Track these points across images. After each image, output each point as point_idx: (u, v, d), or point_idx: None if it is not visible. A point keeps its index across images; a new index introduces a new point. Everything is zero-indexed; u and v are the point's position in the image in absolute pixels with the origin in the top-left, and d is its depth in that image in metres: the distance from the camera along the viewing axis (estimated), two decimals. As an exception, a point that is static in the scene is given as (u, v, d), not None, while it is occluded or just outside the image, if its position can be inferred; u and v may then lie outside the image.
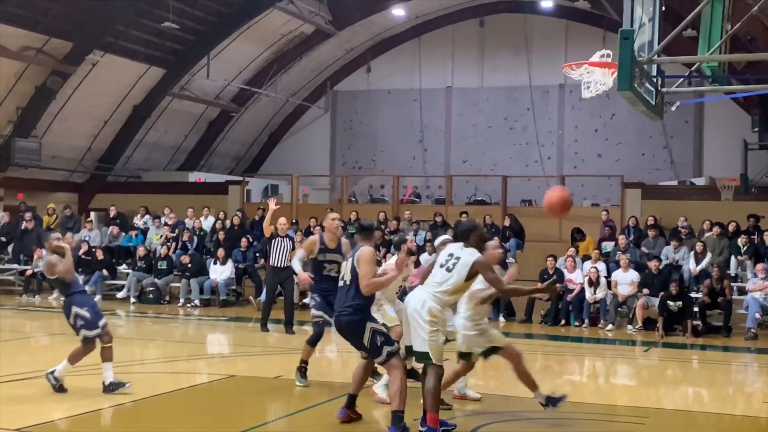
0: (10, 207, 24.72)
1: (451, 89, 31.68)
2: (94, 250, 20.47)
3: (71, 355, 9.20)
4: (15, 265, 21.38)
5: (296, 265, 10.32)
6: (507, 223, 20.68)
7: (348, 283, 7.80)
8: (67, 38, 24.83)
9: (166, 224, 21.67)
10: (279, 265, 14.66)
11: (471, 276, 7.57)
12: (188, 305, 18.88)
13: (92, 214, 25.79)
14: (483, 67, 31.22)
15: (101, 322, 9.25)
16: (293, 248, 14.47)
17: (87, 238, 21.34)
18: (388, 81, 32.30)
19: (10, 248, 21.75)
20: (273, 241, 14.62)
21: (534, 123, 30.26)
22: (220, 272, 19.18)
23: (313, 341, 9.92)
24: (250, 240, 20.39)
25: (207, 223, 22.04)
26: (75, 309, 9.20)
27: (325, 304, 9.68)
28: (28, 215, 22.53)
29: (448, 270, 7.57)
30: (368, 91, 32.86)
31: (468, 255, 7.57)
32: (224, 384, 10.05)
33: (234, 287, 19.79)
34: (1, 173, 26.57)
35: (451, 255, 7.64)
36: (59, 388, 9.01)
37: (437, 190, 28.53)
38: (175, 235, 20.93)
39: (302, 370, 9.88)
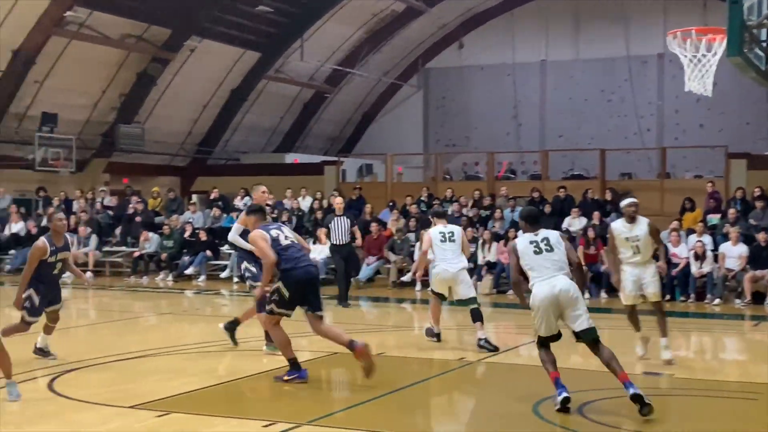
0: (116, 191, 25.53)
1: (545, 62, 31.19)
2: (197, 231, 20.95)
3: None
4: (123, 248, 22.08)
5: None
6: (608, 197, 20.28)
7: None
8: (166, 25, 25.41)
9: (267, 204, 22.02)
10: (339, 242, 15.60)
11: None
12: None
13: (194, 197, 26.40)
14: (578, 39, 30.63)
15: None
16: (352, 226, 15.63)
17: (191, 220, 21.86)
18: (481, 56, 32.00)
19: (117, 231, 22.45)
20: (333, 220, 15.69)
21: (632, 94, 29.54)
22: (319, 251, 19.37)
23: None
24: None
25: (305, 203, 22.31)
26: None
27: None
28: (135, 199, 23.21)
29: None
30: (460, 68, 32.61)
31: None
32: (328, 361, 10.18)
33: (332, 266, 19.97)
34: (107, 158, 27.46)
35: None
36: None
37: (532, 165, 28.18)
38: (275, 215, 21.25)
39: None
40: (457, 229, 11.32)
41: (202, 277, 20.11)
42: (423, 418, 7.95)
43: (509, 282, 17.45)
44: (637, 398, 7.30)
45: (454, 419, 7.91)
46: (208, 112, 29.40)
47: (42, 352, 9.79)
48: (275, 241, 8.65)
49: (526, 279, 7.93)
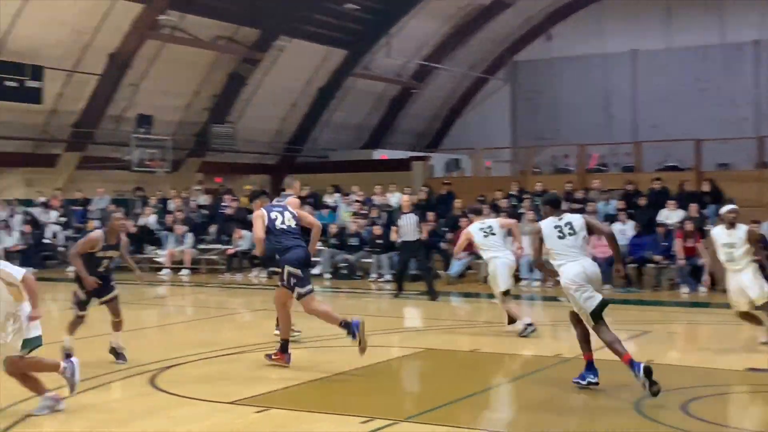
0: (209, 190, 26.05)
1: (636, 52, 30.55)
2: (289, 228, 21.17)
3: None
4: (218, 245, 22.50)
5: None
6: (706, 188, 19.71)
7: None
8: (256, 26, 25.81)
9: (356, 201, 22.20)
10: (408, 239, 16.06)
11: None
12: (379, 280, 19.24)
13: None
14: (670, 27, 29.90)
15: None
16: (420, 221, 16.35)
17: (282, 217, 22.11)
18: (570, 48, 31.54)
19: (212, 229, 22.90)
20: (401, 217, 16.25)
21: (728, 83, 28.68)
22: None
23: None
24: (436, 215, 20.48)
25: (394, 199, 22.36)
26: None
27: None
28: (228, 197, 23.64)
29: None
30: (549, 60, 32.20)
31: None
32: (420, 357, 10.18)
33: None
34: (200, 158, 28.06)
35: None
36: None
37: (624, 157, 27.61)
38: (366, 211, 21.39)
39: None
40: (494, 222, 11.79)
41: (294, 274, 20.30)
42: (521, 415, 7.87)
43: (605, 276, 17.15)
44: (648, 372, 7.38)
45: (554, 416, 7.80)
46: (296, 110, 29.75)
47: (115, 353, 9.65)
48: (272, 222, 9.17)
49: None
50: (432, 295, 15.74)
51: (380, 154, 30.56)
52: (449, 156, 30.83)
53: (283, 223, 9.17)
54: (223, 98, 27.18)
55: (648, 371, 7.42)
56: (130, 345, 10.01)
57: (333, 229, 20.78)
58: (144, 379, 8.72)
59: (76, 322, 9.70)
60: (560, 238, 8.06)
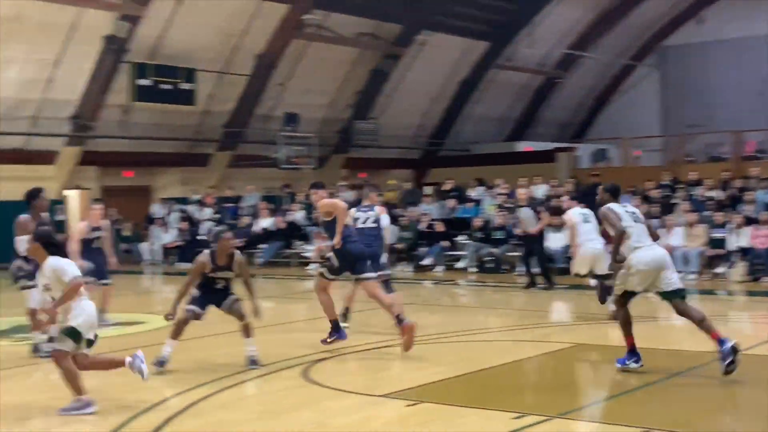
0: (354, 185, 26.35)
1: (797, 32, 28.93)
2: (434, 223, 21.21)
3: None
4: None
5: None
6: None
7: None
8: (397, 21, 25.94)
9: (500, 194, 21.97)
10: (527, 232, 16.61)
11: None
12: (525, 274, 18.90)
13: (428, 189, 26.78)
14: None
15: None
16: (537, 215, 16.68)
17: (427, 212, 22.17)
18: (723, 30, 30.16)
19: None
20: (520, 211, 16.84)
21: None
22: (557, 240, 18.98)
23: None
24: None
25: (539, 191, 21.99)
26: None
27: None
28: (372, 193, 23.83)
29: None
30: (701, 44, 30.92)
31: None
32: (571, 353, 9.93)
33: (568, 255, 19.52)
34: (344, 154, 28.48)
35: None
36: None
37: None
38: (512, 204, 21.12)
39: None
40: (591, 213, 12.19)
41: (440, 268, 20.33)
42: (681, 412, 7.51)
43: (765, 268, 16.32)
44: (733, 351, 7.72)
45: (715, 414, 7.43)
46: (438, 104, 29.74)
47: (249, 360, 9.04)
48: (355, 220, 10.37)
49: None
50: (549, 284, 16.02)
51: (524, 146, 30.15)
52: (596, 146, 30.07)
53: (364, 222, 10.48)
54: (365, 94, 27.48)
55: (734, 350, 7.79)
56: (280, 338, 10.22)
57: (478, 222, 20.62)
58: (296, 372, 8.86)
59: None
60: (636, 221, 8.43)
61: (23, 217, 9.69)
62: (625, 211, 8.54)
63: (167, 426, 6.83)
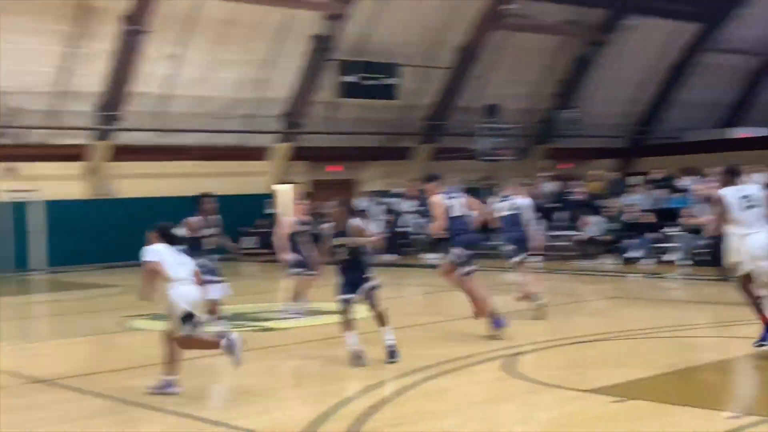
0: (557, 176, 25.90)
1: None
2: (642, 213, 20.45)
3: None
4: (568, 232, 22.26)
5: None
6: None
7: None
8: (602, 6, 25.23)
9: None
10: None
11: None
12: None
13: (634, 178, 25.86)
14: None
15: None
16: None
17: (633, 202, 21.40)
18: None
19: (561, 216, 22.73)
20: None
21: None
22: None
23: None
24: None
25: (759, 180, 20.65)
26: None
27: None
28: (575, 183, 23.35)
29: None
30: None
31: None
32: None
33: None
34: (546, 145, 28.04)
35: None
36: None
37: None
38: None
39: None
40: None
41: (648, 260, 19.56)
42: None
43: None
44: None
45: None
46: (644, 90, 28.66)
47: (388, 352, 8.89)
48: (448, 210, 10.15)
49: None
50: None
51: (740, 133, 28.46)
52: (821, 131, 27.91)
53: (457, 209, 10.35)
54: (568, 83, 26.92)
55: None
56: (476, 330, 10.14)
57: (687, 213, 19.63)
58: (496, 365, 8.79)
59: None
60: (746, 208, 8.14)
61: (192, 218, 10.33)
62: (738, 197, 8.22)
63: (373, 414, 6.96)
